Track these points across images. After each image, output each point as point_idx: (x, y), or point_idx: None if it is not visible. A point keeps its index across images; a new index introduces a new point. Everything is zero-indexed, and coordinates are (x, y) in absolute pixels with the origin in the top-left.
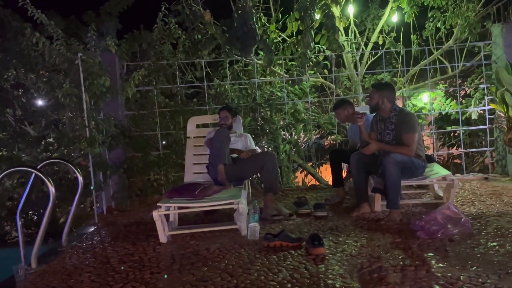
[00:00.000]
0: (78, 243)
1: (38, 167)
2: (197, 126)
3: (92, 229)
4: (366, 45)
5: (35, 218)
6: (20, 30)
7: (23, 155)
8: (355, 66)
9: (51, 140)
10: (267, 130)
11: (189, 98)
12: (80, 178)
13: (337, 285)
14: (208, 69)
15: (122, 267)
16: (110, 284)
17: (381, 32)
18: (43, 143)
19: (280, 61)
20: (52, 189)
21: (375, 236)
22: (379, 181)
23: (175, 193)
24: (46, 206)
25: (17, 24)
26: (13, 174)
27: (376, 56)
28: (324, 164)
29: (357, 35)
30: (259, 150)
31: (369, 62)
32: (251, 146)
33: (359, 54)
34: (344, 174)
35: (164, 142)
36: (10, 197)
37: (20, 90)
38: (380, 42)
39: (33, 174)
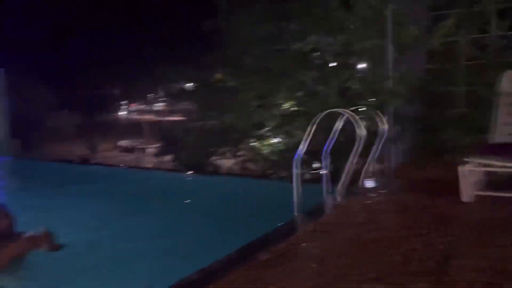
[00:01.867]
0: (373, 188)
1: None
2: None
3: (386, 179)
4: None
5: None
6: None
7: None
8: None
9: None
10: None
11: (505, 50)
12: (385, 127)
13: None
14: None
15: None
16: (412, 227)
17: None
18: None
19: None
20: (362, 131)
21: None
22: None
23: (490, 150)
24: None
25: None
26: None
27: None
28: None
29: None
30: None
31: None
32: None
33: None
34: None
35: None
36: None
37: (318, 52)
38: None
39: (344, 117)
